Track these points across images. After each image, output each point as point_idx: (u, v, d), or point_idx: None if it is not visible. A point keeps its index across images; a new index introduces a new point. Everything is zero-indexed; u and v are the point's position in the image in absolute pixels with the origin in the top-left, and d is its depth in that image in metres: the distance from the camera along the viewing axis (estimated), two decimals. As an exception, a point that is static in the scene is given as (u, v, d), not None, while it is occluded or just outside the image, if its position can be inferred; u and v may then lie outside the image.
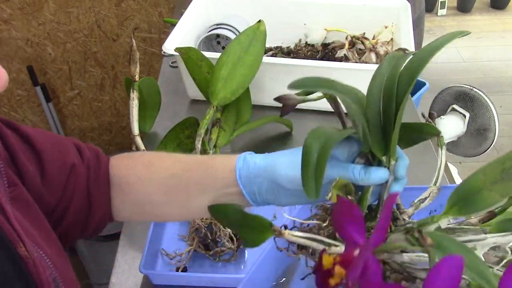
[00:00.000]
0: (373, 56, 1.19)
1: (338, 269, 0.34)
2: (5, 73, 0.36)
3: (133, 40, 0.85)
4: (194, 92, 1.10)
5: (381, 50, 1.19)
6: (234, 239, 0.79)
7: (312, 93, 0.52)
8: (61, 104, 1.96)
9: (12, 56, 1.78)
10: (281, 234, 0.41)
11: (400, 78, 0.44)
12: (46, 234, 0.49)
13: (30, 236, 0.45)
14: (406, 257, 0.38)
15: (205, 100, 1.00)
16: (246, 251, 0.82)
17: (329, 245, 0.41)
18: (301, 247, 0.47)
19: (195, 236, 0.80)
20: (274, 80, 1.08)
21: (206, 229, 0.79)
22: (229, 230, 0.78)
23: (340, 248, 0.40)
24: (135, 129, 0.89)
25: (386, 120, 0.45)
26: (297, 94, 0.53)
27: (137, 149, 0.88)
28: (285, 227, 0.48)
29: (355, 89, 0.48)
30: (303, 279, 0.52)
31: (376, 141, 0.44)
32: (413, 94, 2.04)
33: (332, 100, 0.50)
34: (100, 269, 1.64)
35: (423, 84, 2.11)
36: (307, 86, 0.46)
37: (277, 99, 0.52)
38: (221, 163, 0.54)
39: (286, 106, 0.52)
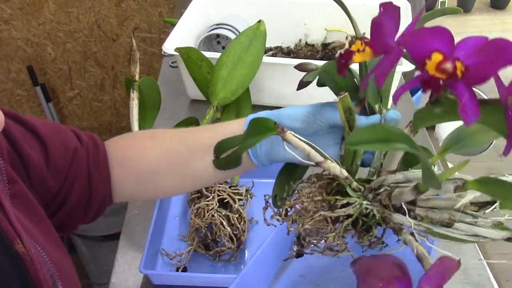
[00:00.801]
0: (373, 56, 1.19)
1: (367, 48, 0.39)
2: (1, 113, 0.39)
3: (133, 40, 0.85)
4: (194, 92, 1.10)
5: (381, 50, 1.19)
6: (234, 239, 0.79)
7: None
8: (61, 104, 1.96)
9: (12, 56, 1.78)
10: (283, 132, 0.42)
11: None
12: (46, 231, 0.49)
13: (29, 233, 0.45)
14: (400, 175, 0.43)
15: (205, 100, 1.00)
16: (246, 251, 0.82)
17: (326, 158, 0.44)
18: (286, 213, 0.50)
19: (195, 236, 0.80)
20: (274, 80, 1.08)
21: (206, 229, 0.79)
22: (229, 229, 0.78)
23: (335, 165, 0.44)
24: (135, 129, 0.89)
25: None
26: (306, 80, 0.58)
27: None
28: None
29: None
30: (285, 260, 0.56)
31: (372, 90, 0.51)
32: (413, 94, 2.03)
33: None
34: (100, 269, 1.64)
35: (423, 84, 2.11)
36: None
37: (297, 66, 0.57)
38: (231, 121, 0.58)
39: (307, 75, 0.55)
